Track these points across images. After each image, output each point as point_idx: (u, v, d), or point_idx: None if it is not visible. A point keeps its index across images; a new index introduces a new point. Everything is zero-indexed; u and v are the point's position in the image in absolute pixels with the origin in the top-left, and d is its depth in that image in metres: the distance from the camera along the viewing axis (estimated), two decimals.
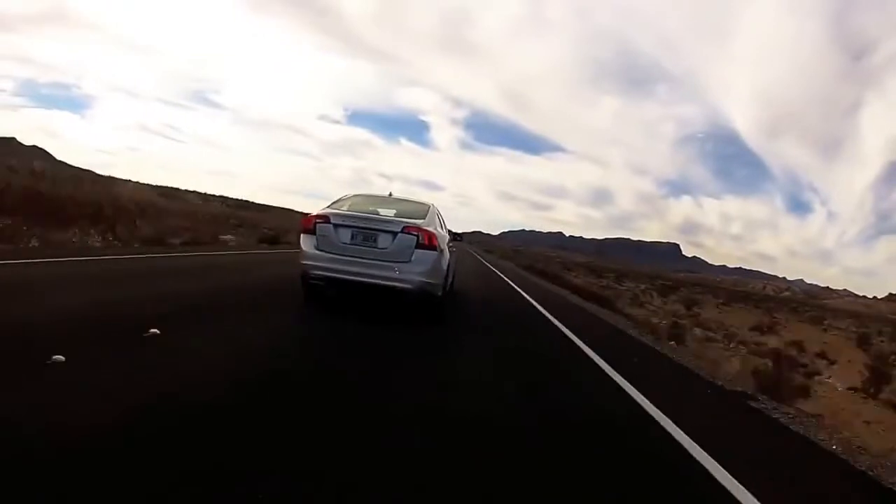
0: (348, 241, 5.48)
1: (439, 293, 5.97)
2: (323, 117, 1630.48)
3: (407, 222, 5.66)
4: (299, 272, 5.78)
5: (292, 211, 53.32)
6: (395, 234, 5.52)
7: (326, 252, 5.47)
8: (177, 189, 37.61)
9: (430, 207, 6.69)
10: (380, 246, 5.49)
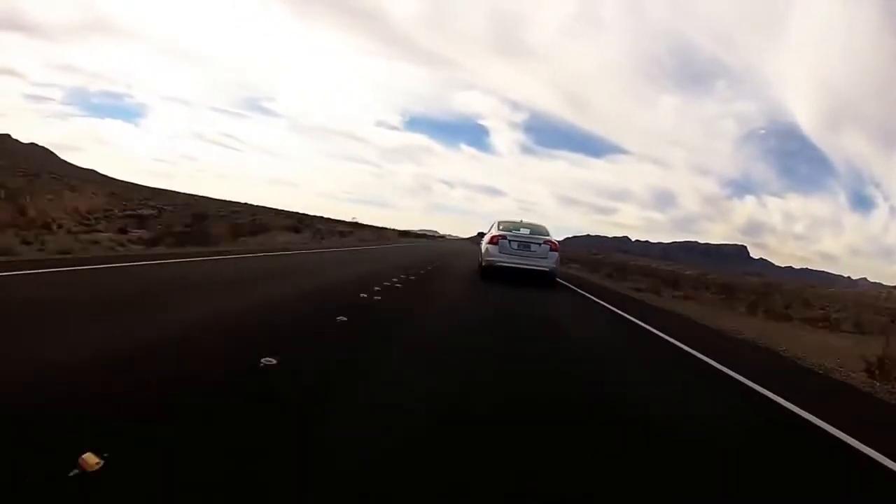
0: (516, 248, 9.78)
1: (557, 272, 10.62)
2: (380, 123, 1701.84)
3: (544, 238, 10.32)
4: (484, 265, 10.63)
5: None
6: (539, 244, 9.97)
7: (504, 254, 9.97)
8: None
9: (545, 227, 11.44)
10: (532, 250, 9.91)
